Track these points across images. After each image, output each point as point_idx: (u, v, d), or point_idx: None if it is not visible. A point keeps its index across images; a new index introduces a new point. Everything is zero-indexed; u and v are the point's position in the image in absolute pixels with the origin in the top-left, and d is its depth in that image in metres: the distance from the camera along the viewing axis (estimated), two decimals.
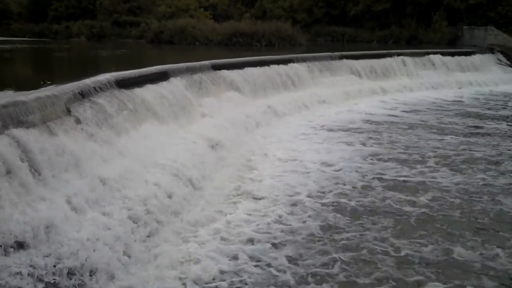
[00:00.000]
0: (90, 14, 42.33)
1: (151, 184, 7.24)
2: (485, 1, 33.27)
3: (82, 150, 6.80)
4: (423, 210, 7.57)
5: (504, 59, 27.70)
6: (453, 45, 32.53)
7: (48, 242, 5.08)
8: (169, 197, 7.18)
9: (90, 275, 5.03)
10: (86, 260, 5.08)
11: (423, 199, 8.05)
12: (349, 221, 7.11)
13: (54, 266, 4.85)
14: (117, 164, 7.30)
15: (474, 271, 5.69)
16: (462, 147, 11.67)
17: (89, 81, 8.71)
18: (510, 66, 27.19)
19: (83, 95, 8.07)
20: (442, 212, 7.50)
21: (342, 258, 5.96)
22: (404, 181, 9.02)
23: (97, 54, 23.82)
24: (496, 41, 29.76)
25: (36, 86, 8.17)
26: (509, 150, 11.47)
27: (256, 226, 6.85)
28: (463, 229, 6.86)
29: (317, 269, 5.70)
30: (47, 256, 4.91)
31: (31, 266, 4.71)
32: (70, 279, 4.86)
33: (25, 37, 39.48)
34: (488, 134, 13.16)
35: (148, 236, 6.13)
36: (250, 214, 7.26)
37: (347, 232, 6.71)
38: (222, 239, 6.41)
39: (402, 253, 6.10)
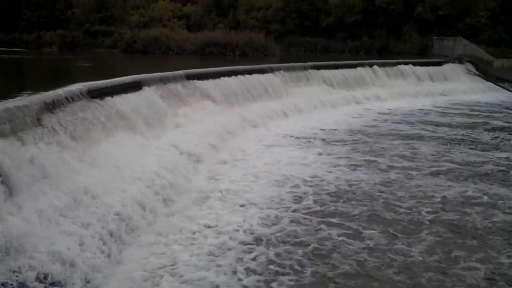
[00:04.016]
0: (62, 24, 41.80)
1: (123, 195, 7.18)
2: (454, 12, 34.02)
3: (53, 161, 6.69)
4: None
5: (473, 69, 28.33)
6: (423, 55, 33.13)
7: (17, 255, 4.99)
8: (142, 209, 7.15)
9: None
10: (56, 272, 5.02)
11: None
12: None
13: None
14: (88, 175, 7.20)
15: None
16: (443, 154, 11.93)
17: (60, 91, 8.58)
18: (479, 76, 27.81)
19: (54, 105, 7.95)
20: None
21: None
22: None
23: (69, 64, 23.54)
24: (465, 51, 30.46)
25: (5, 96, 8.01)
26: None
27: None
28: None
29: None
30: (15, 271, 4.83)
31: None
32: None
33: None
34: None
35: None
36: None
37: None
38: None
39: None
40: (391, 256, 6.39)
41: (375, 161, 11.18)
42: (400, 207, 8.21)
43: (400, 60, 25.75)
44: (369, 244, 6.73)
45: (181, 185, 8.70)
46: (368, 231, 7.17)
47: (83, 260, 5.42)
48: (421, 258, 6.33)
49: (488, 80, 27.38)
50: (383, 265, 6.16)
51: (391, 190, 9.07)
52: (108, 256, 5.84)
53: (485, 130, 15.48)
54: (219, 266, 5.98)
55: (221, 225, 7.22)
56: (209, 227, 7.15)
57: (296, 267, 6.05)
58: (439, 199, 8.64)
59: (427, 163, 11.10)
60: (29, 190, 5.92)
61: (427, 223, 7.56)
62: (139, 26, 39.08)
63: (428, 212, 7.99)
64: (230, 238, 6.75)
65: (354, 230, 7.22)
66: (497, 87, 26.56)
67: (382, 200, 8.57)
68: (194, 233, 6.91)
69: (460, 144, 13.22)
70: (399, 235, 7.09)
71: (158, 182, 8.18)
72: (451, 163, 11.13)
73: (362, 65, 23.08)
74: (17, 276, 4.80)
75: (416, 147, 12.71)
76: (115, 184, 7.43)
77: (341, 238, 6.93)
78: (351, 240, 6.84)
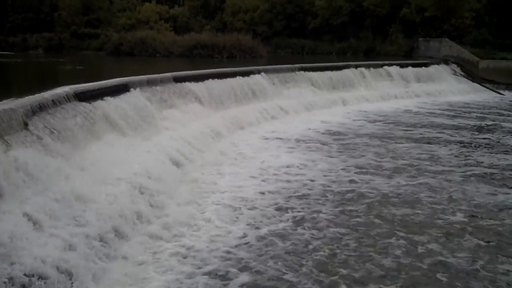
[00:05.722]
0: (48, 26, 41.54)
1: (111, 199, 7.13)
2: (439, 13, 34.29)
3: (40, 165, 6.63)
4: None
5: (458, 70, 28.59)
6: (409, 56, 33.36)
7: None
8: (130, 213, 7.11)
9: None
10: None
11: None
12: None
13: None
14: (76, 179, 7.15)
15: None
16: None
17: (47, 94, 8.53)
18: (464, 77, 28.07)
19: (41, 108, 7.90)
20: None
21: None
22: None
23: (60, 67, 23.35)
24: (451, 52, 30.72)
25: None
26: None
27: None
28: None
29: None
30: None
31: None
32: None
33: None
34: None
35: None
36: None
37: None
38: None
39: None
40: (433, 261, 6.38)
41: (405, 164, 11.09)
42: (437, 211, 8.16)
43: (386, 62, 25.88)
44: (410, 249, 6.72)
45: (167, 189, 8.63)
46: (407, 235, 7.14)
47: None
48: (463, 263, 6.31)
49: (474, 81, 27.65)
50: (426, 269, 6.16)
51: (425, 195, 8.95)
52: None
53: (503, 132, 15.43)
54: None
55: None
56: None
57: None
58: (476, 203, 8.56)
59: (454, 167, 10.92)
60: (16, 194, 5.86)
61: (467, 228, 7.48)
62: (126, 28, 38.97)
63: (466, 217, 7.92)
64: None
65: (395, 234, 7.22)
66: (483, 88, 26.86)
67: (418, 205, 8.48)
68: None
69: (481, 147, 13.09)
70: (438, 240, 7.03)
71: (145, 185, 8.11)
72: (479, 166, 10.97)
73: (349, 67, 23.17)
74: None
75: (434, 150, 12.59)
76: (102, 187, 7.38)
77: (383, 241, 6.95)
78: (392, 243, 6.88)
